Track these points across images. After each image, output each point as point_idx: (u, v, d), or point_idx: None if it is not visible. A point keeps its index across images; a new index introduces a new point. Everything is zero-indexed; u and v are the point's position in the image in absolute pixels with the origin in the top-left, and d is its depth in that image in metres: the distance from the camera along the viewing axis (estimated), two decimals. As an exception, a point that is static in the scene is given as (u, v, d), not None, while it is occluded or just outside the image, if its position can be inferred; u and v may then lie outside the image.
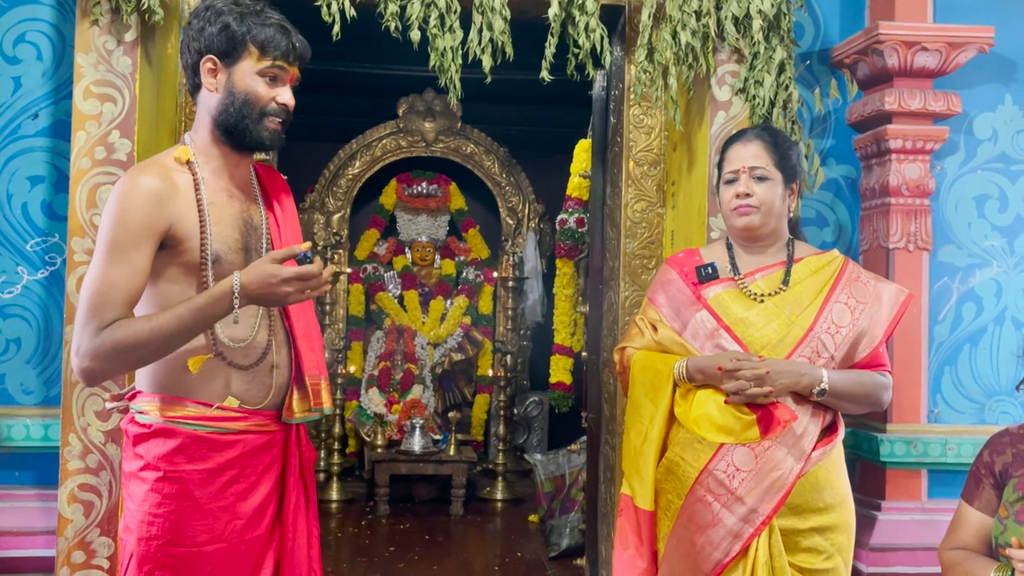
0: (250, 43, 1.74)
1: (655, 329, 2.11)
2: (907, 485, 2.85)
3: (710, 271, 2.09)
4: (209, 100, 1.78)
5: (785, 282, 2.04)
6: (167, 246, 1.69)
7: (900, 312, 2.05)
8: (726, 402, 1.94)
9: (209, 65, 1.76)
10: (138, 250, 1.65)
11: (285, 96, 1.79)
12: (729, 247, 2.13)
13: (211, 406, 1.72)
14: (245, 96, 1.75)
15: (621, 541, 2.10)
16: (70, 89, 2.61)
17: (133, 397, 1.79)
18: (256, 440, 1.77)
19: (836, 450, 2.02)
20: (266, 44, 1.75)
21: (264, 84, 1.77)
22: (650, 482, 2.02)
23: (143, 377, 1.76)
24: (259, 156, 3.02)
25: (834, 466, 2.01)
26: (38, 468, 2.69)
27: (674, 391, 2.02)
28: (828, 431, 2.01)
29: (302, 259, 1.66)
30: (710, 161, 2.74)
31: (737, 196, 2.05)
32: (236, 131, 1.76)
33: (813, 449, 1.95)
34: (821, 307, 2.00)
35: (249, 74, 1.75)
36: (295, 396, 1.81)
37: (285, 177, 2.64)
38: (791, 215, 2.10)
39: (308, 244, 1.69)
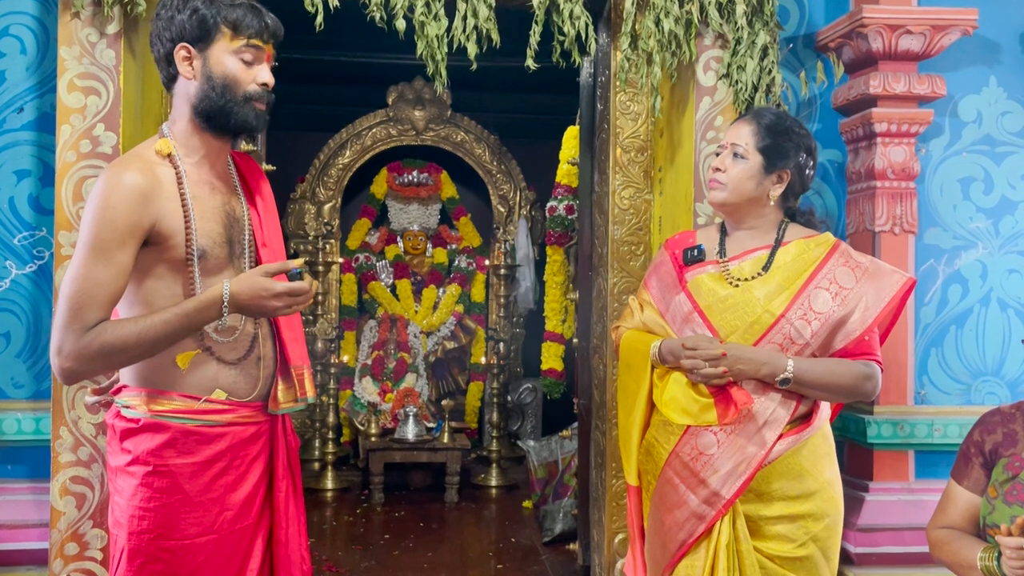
0: (222, 24, 1.73)
1: (643, 310, 2.14)
2: (894, 466, 2.87)
3: (695, 254, 2.09)
4: (187, 88, 1.76)
5: (766, 266, 2.02)
6: (152, 243, 1.68)
7: (895, 299, 1.96)
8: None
9: (183, 53, 1.74)
10: (123, 249, 1.64)
11: (264, 75, 1.77)
12: (723, 229, 2.13)
13: (198, 399, 1.73)
14: (224, 79, 1.73)
15: (628, 519, 2.17)
16: (54, 82, 2.60)
17: (118, 391, 1.78)
18: (244, 432, 1.78)
19: (817, 438, 1.99)
20: (238, 23, 1.74)
21: (241, 65, 1.75)
22: (634, 459, 2.08)
23: (128, 371, 1.76)
24: (246, 147, 3.03)
25: (813, 454, 1.98)
26: (30, 461, 2.71)
27: (653, 372, 2.04)
28: (804, 419, 1.99)
29: (293, 275, 1.68)
30: (696, 147, 2.74)
31: (712, 169, 2.06)
32: (220, 115, 1.74)
33: (780, 437, 1.93)
34: (797, 293, 1.96)
35: (225, 55, 1.74)
36: (280, 387, 1.82)
37: (274, 167, 2.64)
38: (772, 201, 2.05)
39: (300, 261, 1.72)
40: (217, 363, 1.75)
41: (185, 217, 1.71)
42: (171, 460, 1.70)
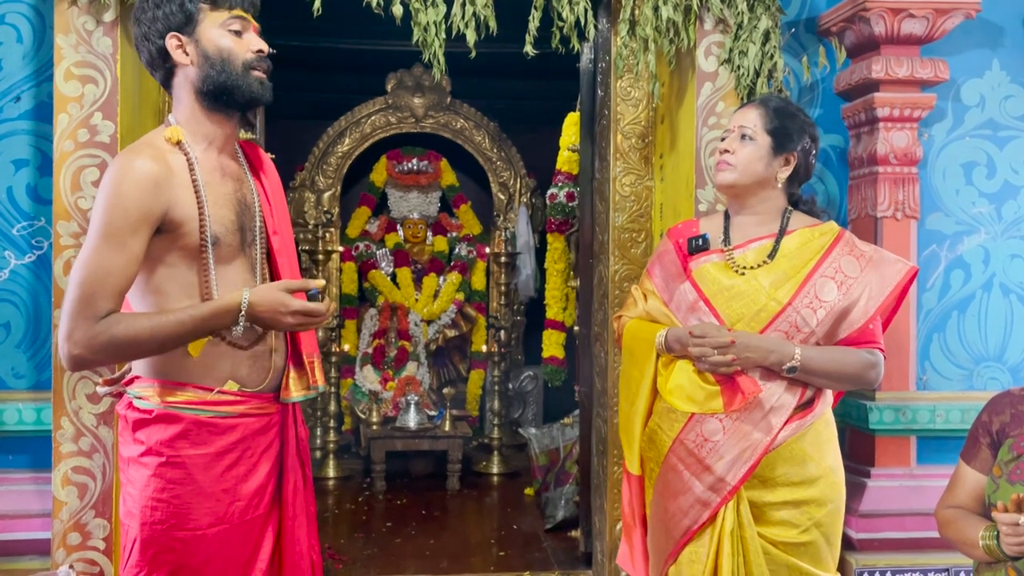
0: (200, 2, 1.75)
1: (647, 299, 2.14)
2: (896, 452, 2.87)
3: (700, 243, 2.09)
4: (187, 75, 1.77)
5: (771, 255, 2.01)
6: (165, 231, 1.68)
7: (898, 288, 1.98)
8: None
9: (175, 42, 1.75)
10: (135, 237, 1.63)
11: (256, 42, 1.79)
12: (727, 217, 2.13)
13: (211, 390, 1.73)
14: (220, 54, 1.75)
15: (624, 507, 2.18)
16: (51, 71, 2.59)
17: (130, 382, 1.78)
18: (255, 423, 1.78)
19: (820, 424, 2.00)
20: None
21: (231, 36, 1.76)
22: (636, 447, 2.08)
23: (141, 362, 1.76)
24: (245, 135, 3.01)
25: (816, 440, 1.98)
26: (32, 451, 2.70)
27: (657, 361, 2.04)
28: (808, 405, 1.99)
29: (312, 295, 1.71)
30: (697, 133, 2.73)
31: (720, 152, 2.06)
32: (225, 90, 1.75)
33: (786, 423, 1.93)
34: (803, 281, 1.96)
35: (213, 31, 1.75)
36: (292, 375, 1.82)
37: (273, 155, 2.63)
38: (779, 184, 2.05)
39: (322, 282, 1.73)
40: (229, 348, 1.75)
41: (198, 204, 1.70)
42: (184, 451, 1.71)
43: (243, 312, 1.66)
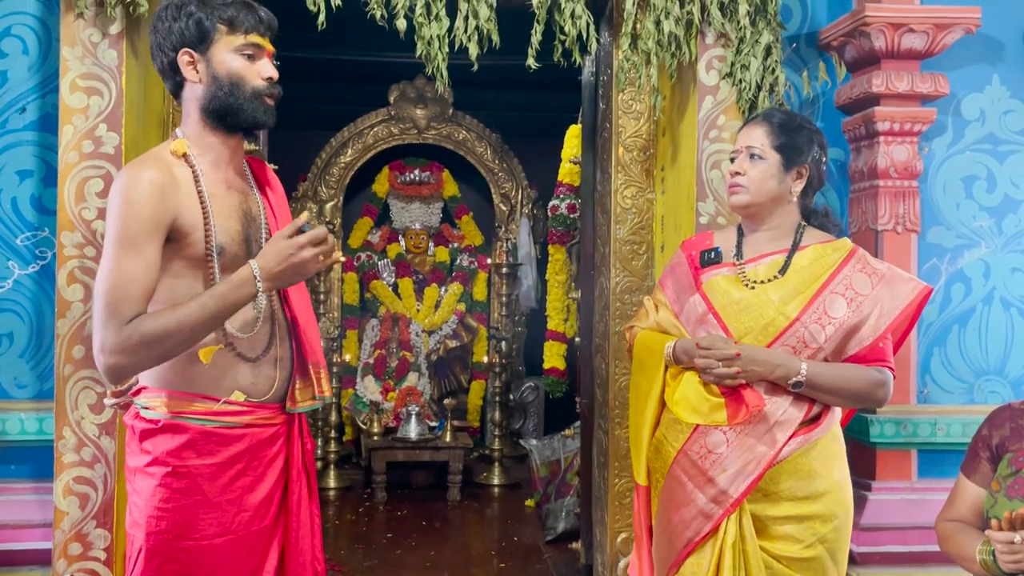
0: (218, 23, 1.76)
1: (658, 311, 2.15)
2: (897, 465, 2.87)
3: (712, 256, 2.09)
4: (195, 92, 1.79)
5: (783, 270, 2.01)
6: (171, 240, 1.70)
7: (910, 307, 1.97)
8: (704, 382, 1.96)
9: (187, 58, 1.77)
10: (149, 243, 1.66)
11: (267, 69, 1.80)
12: (740, 232, 2.13)
13: (218, 400, 1.73)
14: (229, 78, 1.76)
15: (634, 518, 2.18)
16: (56, 83, 2.60)
17: (137, 392, 1.79)
18: (262, 433, 1.79)
19: (827, 439, 1.99)
20: (234, 20, 1.76)
21: (243, 61, 1.77)
22: (643, 458, 2.08)
23: (148, 372, 1.76)
24: (248, 146, 3.02)
25: (822, 455, 1.97)
26: (33, 461, 2.71)
27: (666, 372, 2.04)
28: (815, 420, 1.98)
29: (306, 229, 1.69)
30: (698, 146, 2.74)
31: (731, 175, 2.06)
32: (230, 112, 1.76)
33: (791, 437, 1.93)
34: (812, 297, 1.96)
35: (226, 54, 1.76)
36: (298, 385, 1.83)
37: (276, 166, 2.65)
38: (793, 198, 2.05)
39: (307, 215, 1.71)
40: (237, 359, 1.76)
41: (204, 214, 1.72)
42: (190, 461, 1.71)
43: (258, 276, 1.66)
